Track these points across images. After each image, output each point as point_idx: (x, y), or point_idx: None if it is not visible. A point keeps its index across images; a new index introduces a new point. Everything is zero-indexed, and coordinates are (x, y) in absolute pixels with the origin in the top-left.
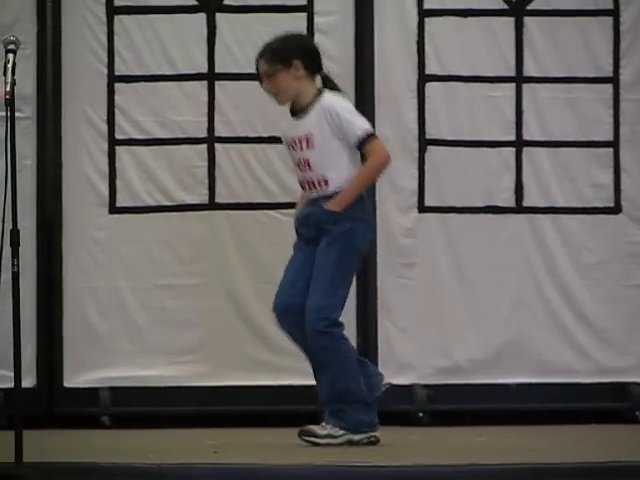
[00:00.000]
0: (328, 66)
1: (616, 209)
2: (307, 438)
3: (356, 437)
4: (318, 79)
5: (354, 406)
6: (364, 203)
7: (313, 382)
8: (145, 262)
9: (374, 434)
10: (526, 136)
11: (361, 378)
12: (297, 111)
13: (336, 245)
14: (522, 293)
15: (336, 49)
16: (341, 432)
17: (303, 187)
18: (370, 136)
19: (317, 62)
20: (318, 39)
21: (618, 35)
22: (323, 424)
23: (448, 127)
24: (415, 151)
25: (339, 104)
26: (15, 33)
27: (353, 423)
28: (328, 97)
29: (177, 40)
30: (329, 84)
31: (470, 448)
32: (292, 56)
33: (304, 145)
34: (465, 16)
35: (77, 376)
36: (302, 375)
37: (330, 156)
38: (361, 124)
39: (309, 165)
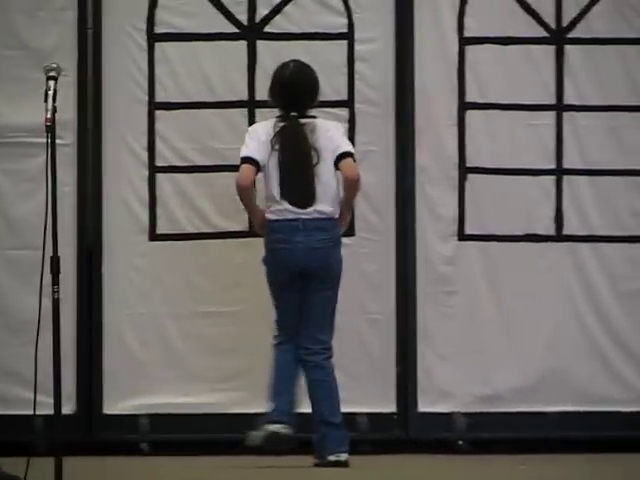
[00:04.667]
0: (367, 93)
1: None
2: None
3: None
4: None
5: None
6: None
7: (357, 409)
8: (185, 289)
9: None
10: (566, 164)
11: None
12: None
13: None
14: (562, 321)
15: (376, 77)
16: None
17: None
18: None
19: (277, 92)
20: (358, 67)
21: None
22: None
23: (488, 155)
24: (455, 179)
25: None
26: (56, 60)
27: None
28: None
29: (218, 67)
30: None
31: (512, 477)
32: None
33: None
34: (506, 44)
35: (116, 403)
36: (345, 402)
37: None
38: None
39: None
